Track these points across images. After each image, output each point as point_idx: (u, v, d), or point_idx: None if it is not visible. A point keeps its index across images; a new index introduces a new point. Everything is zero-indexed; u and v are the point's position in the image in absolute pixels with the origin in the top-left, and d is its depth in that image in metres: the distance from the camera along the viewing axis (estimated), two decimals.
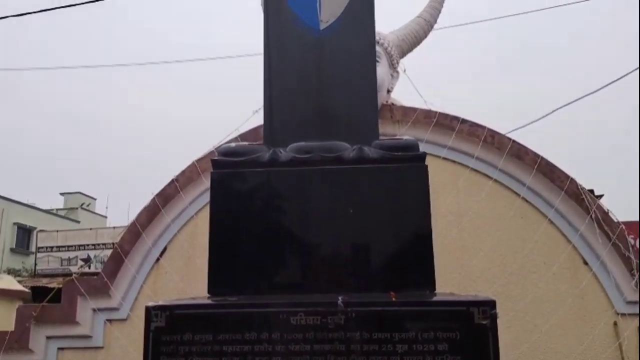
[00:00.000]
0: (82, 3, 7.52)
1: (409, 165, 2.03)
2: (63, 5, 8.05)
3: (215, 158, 2.13)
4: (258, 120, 5.18)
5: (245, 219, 2.09)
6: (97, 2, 7.65)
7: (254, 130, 5.18)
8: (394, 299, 1.69)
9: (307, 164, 2.08)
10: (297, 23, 2.36)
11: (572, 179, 4.62)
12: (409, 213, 2.01)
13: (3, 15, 8.25)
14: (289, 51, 2.37)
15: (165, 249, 5.15)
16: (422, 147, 5.06)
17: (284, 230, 2.08)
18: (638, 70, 6.49)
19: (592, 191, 4.98)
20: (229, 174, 2.12)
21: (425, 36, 5.71)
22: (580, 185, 4.61)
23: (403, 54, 5.63)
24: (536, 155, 4.75)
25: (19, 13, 8.29)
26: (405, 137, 2.16)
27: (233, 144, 2.19)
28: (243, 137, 5.29)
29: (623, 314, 4.44)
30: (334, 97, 2.29)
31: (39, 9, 7.62)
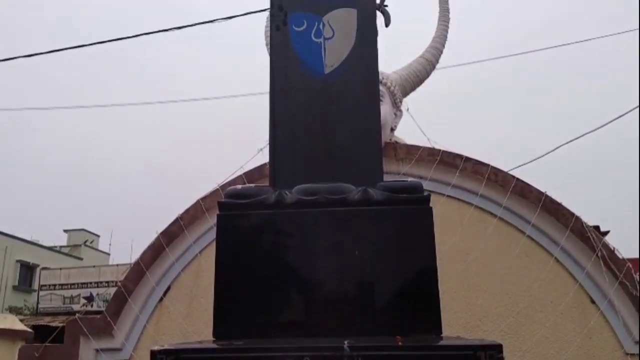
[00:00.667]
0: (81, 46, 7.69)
1: (413, 207, 2.04)
2: (70, 47, 8.23)
3: (222, 200, 2.15)
4: (263, 158, 5.23)
5: (250, 261, 2.10)
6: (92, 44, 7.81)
7: (259, 169, 5.22)
8: (400, 344, 1.68)
9: (312, 205, 2.10)
10: (302, 67, 2.42)
11: (577, 216, 4.61)
12: (415, 255, 2.02)
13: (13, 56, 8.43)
14: (295, 94, 2.42)
15: (169, 288, 5.12)
16: (426, 185, 5.09)
17: (289, 272, 2.08)
18: (638, 107, 6.55)
19: (597, 227, 4.96)
20: (235, 216, 2.14)
21: (428, 76, 5.80)
22: (585, 223, 4.60)
23: (406, 93, 5.71)
24: (540, 193, 4.76)
25: (31, 54, 8.47)
26: (409, 179, 2.18)
27: (239, 186, 2.22)
28: (248, 175, 5.32)
29: (632, 354, 4.36)
30: (339, 139, 2.33)
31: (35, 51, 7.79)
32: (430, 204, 2.11)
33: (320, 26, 2.43)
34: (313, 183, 2.19)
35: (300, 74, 2.41)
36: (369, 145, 2.29)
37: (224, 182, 5.36)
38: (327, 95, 2.37)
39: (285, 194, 2.15)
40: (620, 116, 6.23)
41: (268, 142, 2.44)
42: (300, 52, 2.42)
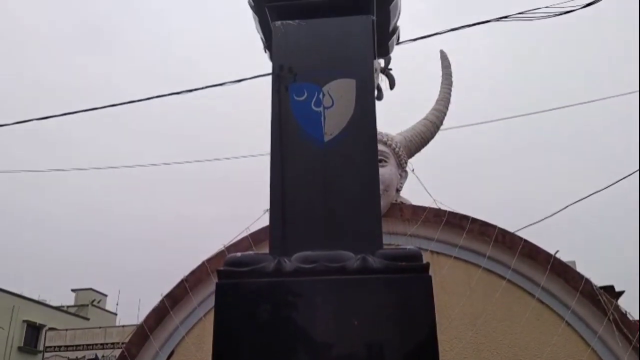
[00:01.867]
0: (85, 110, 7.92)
1: (413, 276, 2.03)
2: (81, 109, 8.46)
3: (221, 269, 2.15)
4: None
5: (249, 330, 2.07)
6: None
7: (265, 230, 5.23)
8: None
9: (311, 274, 2.09)
10: (302, 135, 2.46)
11: (586, 279, 4.54)
12: (415, 325, 1.98)
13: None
14: (295, 161, 2.46)
15: (172, 353, 5.04)
16: (433, 247, 5.06)
17: (288, 341, 2.05)
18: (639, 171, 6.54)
19: (612, 287, 4.87)
20: (234, 285, 2.13)
21: (432, 137, 5.89)
22: (595, 286, 4.52)
23: (410, 154, 5.78)
24: (548, 254, 4.71)
25: (43, 116, 8.70)
26: (408, 247, 2.17)
27: (239, 254, 2.22)
28: (254, 236, 5.33)
29: None
30: (339, 206, 2.34)
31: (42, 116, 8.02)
32: (431, 272, 2.09)
33: (320, 96, 2.50)
34: (313, 250, 2.19)
35: (301, 141, 2.46)
36: (369, 213, 2.30)
37: (230, 243, 5.37)
38: (326, 162, 2.41)
39: (284, 261, 2.14)
40: (626, 177, 6.22)
41: (269, 208, 2.46)
42: (301, 121, 2.48)
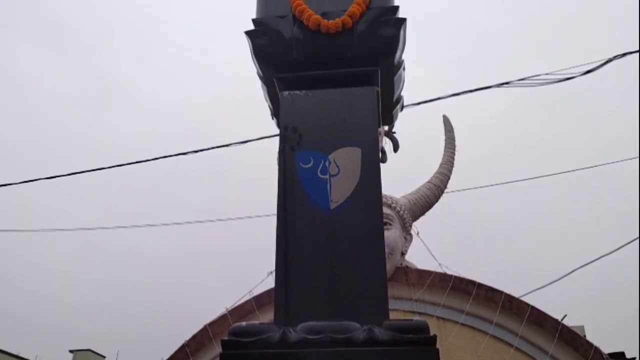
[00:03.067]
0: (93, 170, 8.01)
1: (420, 348, 2.00)
2: (83, 170, 8.55)
3: (225, 339, 2.12)
4: (273, 281, 5.18)
5: None
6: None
7: (268, 293, 5.18)
8: None
9: (317, 345, 2.06)
10: (308, 202, 2.49)
11: (596, 347, 4.43)
12: None
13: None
14: (301, 229, 2.47)
15: None
16: (439, 312, 4.98)
17: None
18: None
19: (622, 354, 4.75)
20: (239, 356, 2.10)
21: (437, 200, 5.91)
22: (605, 355, 4.41)
23: (415, 218, 5.78)
24: (556, 322, 4.62)
25: (50, 177, 8.80)
26: (415, 319, 2.15)
27: (244, 323, 2.19)
28: (257, 299, 5.26)
29: None
30: (344, 275, 2.33)
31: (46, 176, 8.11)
32: (438, 344, 2.06)
33: (326, 164, 2.54)
34: (318, 319, 2.17)
35: (307, 209, 2.48)
36: (375, 282, 2.29)
37: (233, 306, 5.30)
38: (332, 230, 2.42)
39: (289, 332, 2.12)
40: (632, 242, 6.18)
41: (275, 274, 2.46)
42: (307, 188, 2.51)
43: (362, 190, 2.48)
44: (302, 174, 2.55)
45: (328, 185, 2.49)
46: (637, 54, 6.24)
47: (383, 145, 6.47)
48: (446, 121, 6.32)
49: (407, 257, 5.64)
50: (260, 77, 2.94)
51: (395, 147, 6.48)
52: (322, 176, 2.52)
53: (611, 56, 6.45)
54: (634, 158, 7.38)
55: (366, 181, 2.50)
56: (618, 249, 6.18)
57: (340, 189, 2.48)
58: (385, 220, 5.32)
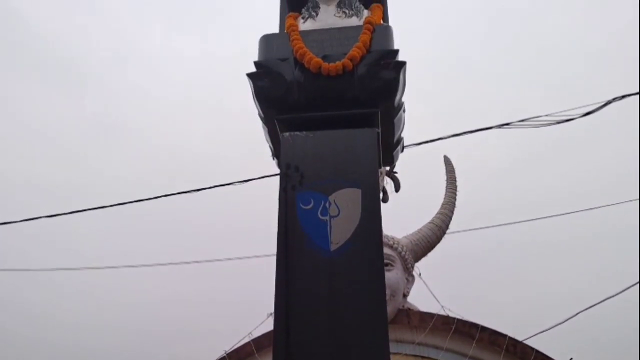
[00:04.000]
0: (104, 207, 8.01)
1: None
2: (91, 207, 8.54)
3: None
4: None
5: None
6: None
7: (268, 336, 5.09)
8: None
9: None
10: (308, 244, 2.47)
11: None
12: None
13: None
14: (301, 271, 2.44)
15: None
16: (442, 356, 4.88)
17: None
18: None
19: None
20: None
21: (438, 241, 5.87)
22: None
23: (417, 259, 5.73)
24: None
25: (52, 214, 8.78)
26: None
27: None
28: (256, 342, 5.17)
29: None
30: (345, 318, 2.30)
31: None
32: None
33: (327, 205, 2.53)
34: None
35: (307, 250, 2.46)
36: (375, 325, 2.25)
37: (232, 349, 5.20)
38: (333, 272, 2.39)
39: None
40: (631, 286, 6.11)
41: (274, 317, 2.42)
42: (307, 230, 2.49)
43: (363, 232, 2.46)
44: (303, 215, 2.53)
45: (328, 227, 2.48)
46: (637, 95, 6.29)
47: (384, 185, 6.47)
48: (447, 162, 6.34)
49: (409, 299, 5.57)
50: (262, 118, 2.96)
51: (397, 187, 6.48)
52: (323, 217, 2.51)
53: (610, 98, 6.51)
54: (633, 200, 7.37)
55: (367, 222, 2.48)
56: (622, 291, 6.10)
57: (340, 231, 2.46)
58: (386, 261, 5.27)
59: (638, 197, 7.06)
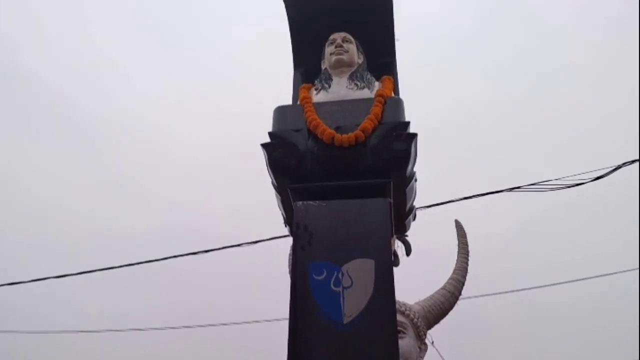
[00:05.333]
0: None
1: None
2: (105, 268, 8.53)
3: None
4: None
5: None
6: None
7: None
8: None
9: None
10: (321, 316, 2.44)
11: None
12: None
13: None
14: (313, 343, 2.41)
15: None
16: None
17: None
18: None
19: None
20: None
21: (451, 308, 5.73)
22: None
23: (429, 326, 5.59)
24: None
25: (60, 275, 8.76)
26: None
27: None
28: None
29: None
30: None
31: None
32: None
33: (339, 275, 2.52)
34: None
35: (320, 322, 2.43)
36: None
37: None
38: (346, 346, 2.36)
39: None
40: None
41: None
42: (320, 301, 2.47)
43: (376, 304, 2.44)
44: (315, 286, 2.52)
45: (341, 299, 2.46)
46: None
47: (395, 248, 6.42)
48: (459, 226, 6.29)
49: None
50: (275, 187, 3.00)
51: (408, 251, 6.42)
52: (335, 288, 2.49)
53: (620, 163, 6.54)
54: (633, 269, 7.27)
55: (380, 294, 2.46)
56: None
57: (353, 302, 2.44)
58: (399, 328, 5.15)
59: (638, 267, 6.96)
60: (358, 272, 2.51)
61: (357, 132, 2.77)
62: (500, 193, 7.18)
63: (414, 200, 3.06)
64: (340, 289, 2.49)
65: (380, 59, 3.36)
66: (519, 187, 7.00)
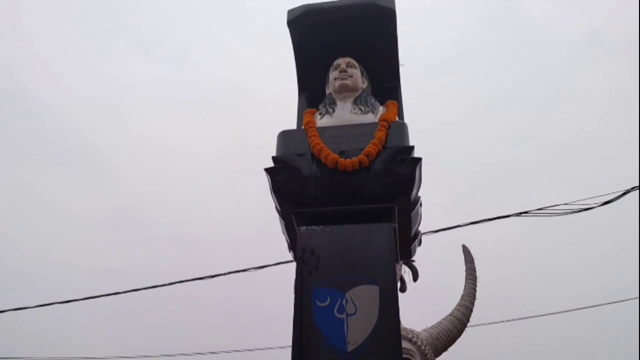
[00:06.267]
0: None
1: None
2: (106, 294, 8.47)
3: None
4: None
5: None
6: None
7: None
8: None
9: None
10: (325, 344, 2.39)
11: None
12: None
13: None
14: None
15: None
16: None
17: None
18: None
19: None
20: None
21: (459, 335, 5.64)
22: None
23: (437, 353, 5.49)
24: None
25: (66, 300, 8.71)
26: None
27: None
28: None
29: None
30: None
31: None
32: None
33: (344, 302, 2.47)
34: None
35: (324, 351, 2.38)
36: None
37: None
38: None
39: None
40: None
41: None
42: (323, 329, 2.42)
43: (381, 331, 2.39)
44: (318, 313, 2.47)
45: (345, 326, 2.41)
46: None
47: (402, 274, 6.35)
48: (466, 251, 6.22)
49: None
50: (278, 212, 2.97)
51: (415, 276, 6.35)
52: (339, 315, 2.45)
53: (629, 187, 6.47)
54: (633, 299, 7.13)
55: (385, 321, 2.41)
56: None
57: (357, 330, 2.39)
58: (406, 356, 5.06)
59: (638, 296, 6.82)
60: (362, 299, 2.47)
61: (361, 156, 2.74)
62: (509, 218, 7.12)
63: (419, 225, 3.02)
64: (344, 316, 2.44)
65: (384, 83, 3.35)
66: (527, 212, 6.94)
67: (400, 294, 6.11)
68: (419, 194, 2.90)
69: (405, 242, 2.95)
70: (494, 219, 7.09)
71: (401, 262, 6.28)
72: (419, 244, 3.18)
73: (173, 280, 8.14)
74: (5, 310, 8.53)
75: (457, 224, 7.19)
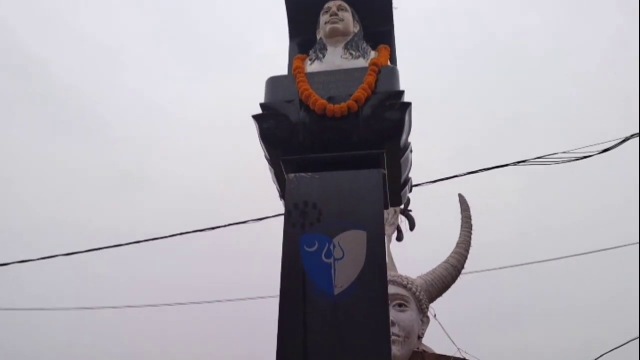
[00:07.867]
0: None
1: None
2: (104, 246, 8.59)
3: None
4: None
5: None
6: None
7: None
8: None
9: None
10: (312, 287, 2.42)
11: None
12: None
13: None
14: (304, 316, 2.39)
15: None
16: None
17: None
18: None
19: None
20: None
21: (454, 281, 5.72)
22: None
23: (432, 299, 5.58)
24: None
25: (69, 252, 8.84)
26: None
27: None
28: None
29: None
30: None
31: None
32: None
33: (331, 247, 2.49)
34: None
35: (310, 294, 2.41)
36: None
37: None
38: (336, 316, 2.34)
39: None
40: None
41: None
42: (311, 273, 2.45)
43: (367, 275, 2.41)
44: (306, 258, 2.50)
45: (332, 270, 2.44)
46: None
47: (399, 223, 6.40)
48: (462, 200, 6.24)
49: (424, 340, 5.41)
50: (268, 160, 2.96)
51: (411, 226, 6.39)
52: (327, 260, 2.47)
53: (628, 135, 6.42)
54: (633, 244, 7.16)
55: (371, 265, 2.43)
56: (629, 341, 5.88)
57: (344, 274, 2.42)
58: (400, 302, 5.15)
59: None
60: (350, 244, 2.48)
61: (350, 102, 2.71)
62: (508, 167, 7.10)
63: (409, 172, 3.01)
64: (331, 260, 2.46)
65: (377, 27, 3.27)
66: (525, 161, 6.92)
67: (397, 243, 6.14)
68: (409, 140, 2.88)
69: (396, 188, 2.95)
70: (492, 168, 7.08)
71: (398, 211, 6.32)
72: (410, 190, 3.17)
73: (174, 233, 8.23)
74: (9, 263, 8.68)
75: (455, 174, 7.19)
